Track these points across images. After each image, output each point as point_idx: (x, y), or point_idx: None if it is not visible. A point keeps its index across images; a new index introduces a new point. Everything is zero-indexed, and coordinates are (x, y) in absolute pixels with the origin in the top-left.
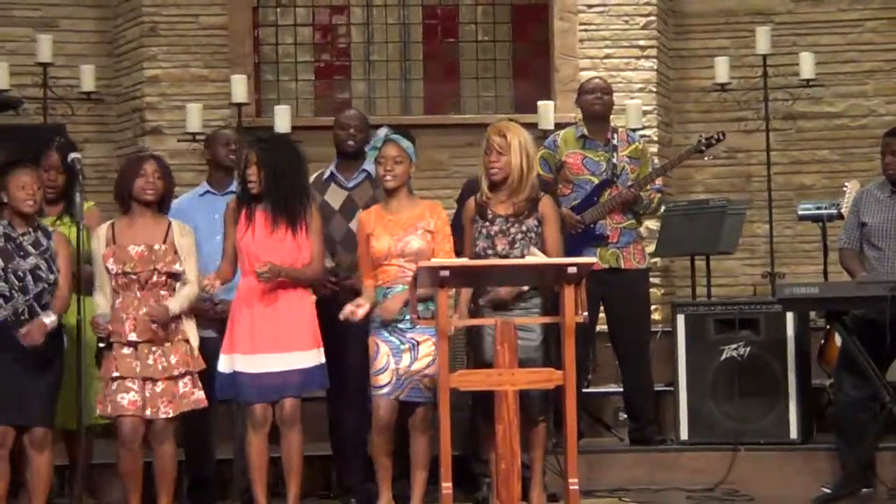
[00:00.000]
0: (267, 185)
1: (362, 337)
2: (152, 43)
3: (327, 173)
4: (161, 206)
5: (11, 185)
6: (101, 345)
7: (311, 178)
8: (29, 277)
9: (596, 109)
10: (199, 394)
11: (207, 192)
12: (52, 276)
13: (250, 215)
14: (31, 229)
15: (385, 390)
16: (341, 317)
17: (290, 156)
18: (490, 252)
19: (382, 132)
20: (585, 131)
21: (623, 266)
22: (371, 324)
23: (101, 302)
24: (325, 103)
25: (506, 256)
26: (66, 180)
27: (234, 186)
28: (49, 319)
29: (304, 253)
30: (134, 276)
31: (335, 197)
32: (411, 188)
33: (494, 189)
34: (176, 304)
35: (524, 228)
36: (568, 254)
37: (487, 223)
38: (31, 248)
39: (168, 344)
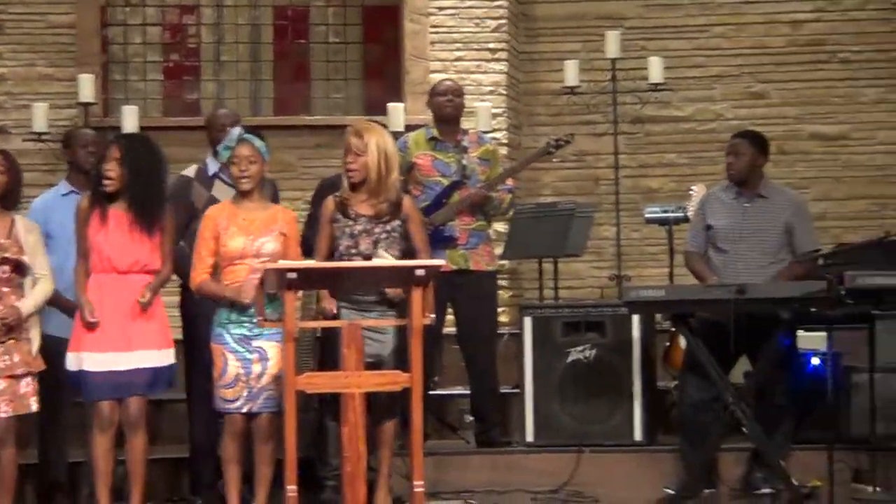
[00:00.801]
0: (126, 183)
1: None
2: None
3: (212, 170)
4: (6, 200)
5: None
6: None
7: (193, 172)
8: None
9: (447, 112)
10: (33, 399)
11: (71, 191)
12: None
13: (104, 213)
14: None
15: (237, 404)
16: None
17: (152, 156)
18: (353, 251)
19: (236, 132)
20: (436, 133)
21: (472, 268)
22: (213, 331)
23: None
24: (173, 103)
25: (369, 256)
26: None
27: None
28: None
29: (156, 251)
30: None
31: (223, 193)
32: (275, 186)
33: (355, 189)
34: (29, 304)
35: (388, 228)
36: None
37: (351, 222)
38: None
39: (12, 342)
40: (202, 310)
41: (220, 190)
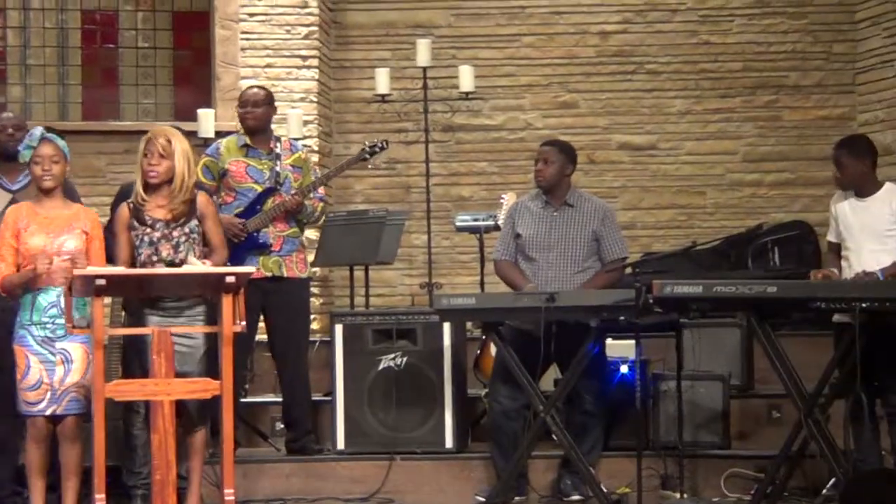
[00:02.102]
0: None
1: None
2: None
3: None
4: None
5: None
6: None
7: None
8: None
9: (248, 124)
10: None
11: None
12: None
13: None
14: None
15: (41, 406)
16: None
17: None
18: (155, 258)
19: (38, 131)
20: (248, 140)
21: (286, 275)
22: (16, 333)
23: None
24: None
25: (172, 261)
26: None
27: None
28: None
29: None
30: None
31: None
32: (74, 188)
33: (150, 192)
34: None
35: (186, 230)
36: (230, 262)
37: (148, 229)
38: None
39: None
40: (2, 312)
41: None
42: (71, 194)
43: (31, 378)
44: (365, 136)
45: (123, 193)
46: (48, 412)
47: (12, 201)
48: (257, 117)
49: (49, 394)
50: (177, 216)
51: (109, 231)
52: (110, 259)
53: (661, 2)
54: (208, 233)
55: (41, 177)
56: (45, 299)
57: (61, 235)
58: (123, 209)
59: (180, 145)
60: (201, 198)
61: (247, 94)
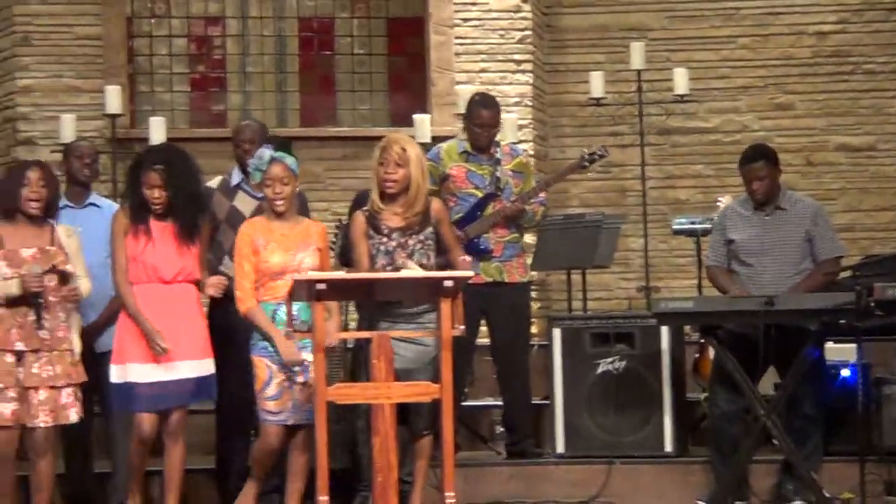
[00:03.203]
0: (172, 203)
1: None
2: (25, 52)
3: (235, 180)
4: (47, 211)
5: None
6: (40, 300)
7: (217, 182)
8: None
9: (481, 143)
10: (77, 409)
11: (67, 206)
12: None
13: (147, 227)
14: None
15: (280, 416)
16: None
17: (190, 171)
18: (389, 269)
19: (266, 154)
20: (468, 147)
21: (506, 280)
22: (255, 344)
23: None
24: (200, 115)
25: (398, 269)
26: None
27: (92, 198)
28: None
29: (197, 261)
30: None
31: (246, 204)
32: (304, 198)
33: (387, 201)
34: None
35: (422, 238)
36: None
37: (384, 238)
38: None
39: (54, 352)
40: (235, 321)
41: (243, 201)
42: (302, 206)
43: (273, 388)
44: (580, 140)
45: (359, 200)
46: (289, 422)
47: (258, 208)
48: (492, 135)
49: (290, 403)
50: (412, 224)
51: (347, 238)
52: (347, 263)
53: (879, 1)
54: (443, 236)
55: (273, 200)
56: (285, 313)
57: (299, 253)
58: (359, 218)
59: (415, 152)
60: (436, 204)
61: (484, 115)
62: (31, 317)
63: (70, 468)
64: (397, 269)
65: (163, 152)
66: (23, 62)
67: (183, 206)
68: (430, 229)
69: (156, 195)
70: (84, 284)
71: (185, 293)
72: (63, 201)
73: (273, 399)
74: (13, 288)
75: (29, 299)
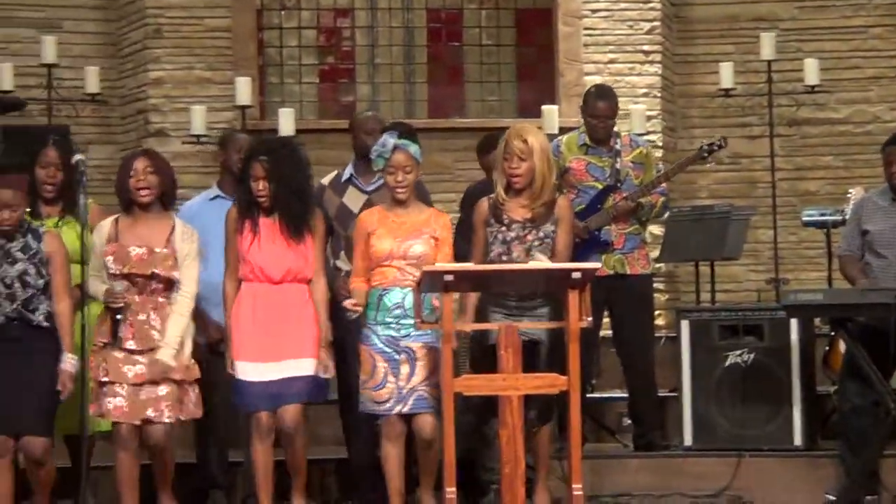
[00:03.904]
0: (276, 196)
1: None
2: (156, 45)
3: (346, 175)
4: (164, 200)
5: None
6: (119, 317)
7: (329, 179)
8: (17, 284)
9: (598, 135)
10: (198, 404)
11: (218, 196)
12: (40, 282)
13: (254, 224)
14: (19, 234)
15: (387, 405)
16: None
17: (295, 164)
18: (505, 258)
19: (390, 142)
20: (588, 140)
21: (628, 272)
22: (360, 333)
23: (101, 287)
24: (329, 106)
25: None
26: (64, 178)
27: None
28: (70, 362)
29: (310, 259)
30: (133, 280)
31: (354, 200)
32: (424, 188)
33: (512, 193)
34: (168, 351)
35: (541, 234)
36: (574, 260)
37: (504, 228)
38: (19, 254)
39: (167, 349)
40: (345, 316)
41: (352, 197)
42: (422, 195)
43: (377, 377)
44: (709, 131)
45: (473, 193)
46: (395, 411)
47: (367, 203)
48: (609, 127)
49: (396, 393)
50: (535, 217)
51: (459, 229)
52: (457, 256)
53: None
54: (558, 239)
55: (394, 188)
56: (390, 300)
57: (408, 240)
58: (483, 204)
59: (538, 142)
60: (562, 201)
61: (600, 106)
62: (141, 315)
63: (201, 459)
64: (512, 261)
65: (269, 143)
66: (154, 54)
67: (287, 199)
68: (550, 227)
69: (260, 187)
70: (181, 306)
71: (294, 293)
72: (215, 192)
73: (378, 389)
74: (99, 296)
75: (110, 311)
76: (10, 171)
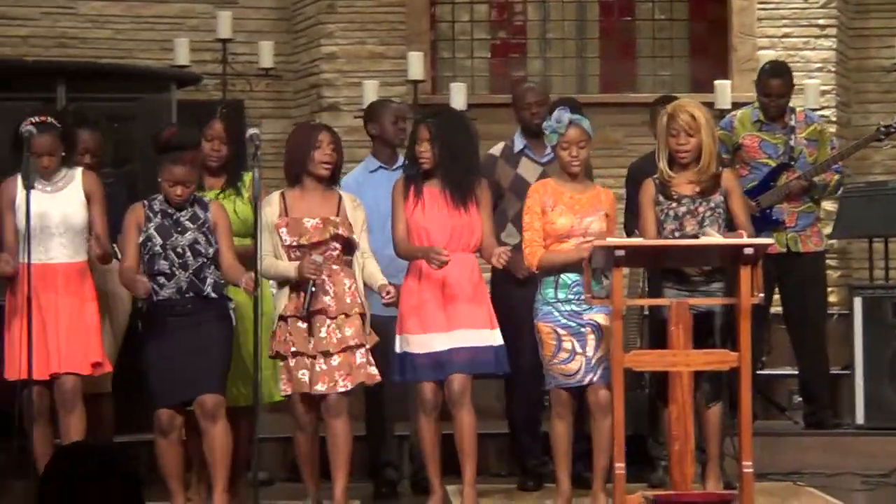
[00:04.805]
0: (439, 160)
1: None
2: (330, 20)
3: (518, 146)
4: (332, 179)
5: (164, 175)
6: (313, 289)
7: (499, 149)
8: (188, 253)
9: (772, 113)
10: (373, 368)
11: (380, 167)
12: (210, 250)
13: (418, 191)
14: (187, 203)
15: (578, 377)
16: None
17: (462, 131)
18: (678, 234)
19: (565, 117)
20: (761, 116)
21: (801, 249)
22: (539, 310)
23: (285, 263)
24: (500, 81)
25: (695, 237)
26: (229, 151)
27: (400, 161)
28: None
29: (476, 228)
30: (309, 249)
31: (530, 171)
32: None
33: (677, 168)
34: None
35: (712, 205)
36: None
37: (674, 203)
38: (188, 223)
39: (343, 316)
40: (514, 291)
41: (526, 167)
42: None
43: (564, 351)
44: (884, 106)
45: (637, 170)
46: (585, 381)
47: (542, 174)
48: (781, 106)
49: (584, 364)
50: (703, 190)
51: (630, 206)
52: (632, 232)
53: None
54: (734, 209)
55: (569, 163)
56: (569, 277)
57: (587, 217)
58: (649, 184)
59: (704, 117)
60: (727, 173)
61: (772, 84)
62: (303, 298)
63: (370, 431)
64: (686, 235)
65: (436, 109)
66: (327, 29)
67: (450, 163)
68: (720, 198)
69: (423, 148)
70: (373, 262)
71: (462, 263)
72: (376, 163)
73: (566, 362)
74: (291, 272)
75: (302, 284)
76: (184, 148)
